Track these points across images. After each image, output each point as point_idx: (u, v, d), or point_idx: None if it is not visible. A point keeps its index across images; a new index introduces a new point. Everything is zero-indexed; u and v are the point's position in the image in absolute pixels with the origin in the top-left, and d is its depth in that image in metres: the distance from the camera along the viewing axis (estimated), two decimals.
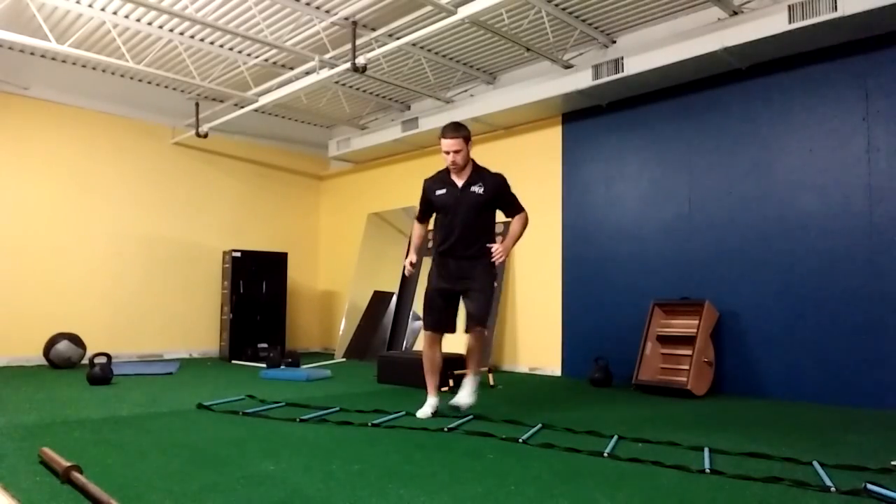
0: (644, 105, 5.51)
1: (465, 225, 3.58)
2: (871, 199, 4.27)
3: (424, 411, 3.62)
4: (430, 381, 3.75)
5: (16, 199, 6.37)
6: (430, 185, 3.74)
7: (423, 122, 6.87)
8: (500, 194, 3.67)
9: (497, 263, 3.59)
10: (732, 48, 4.56)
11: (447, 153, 3.56)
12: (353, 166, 8.57)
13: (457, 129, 3.58)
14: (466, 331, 3.61)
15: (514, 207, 3.74)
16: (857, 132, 4.36)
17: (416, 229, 3.95)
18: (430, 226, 4.06)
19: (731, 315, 4.83)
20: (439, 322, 3.69)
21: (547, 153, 6.24)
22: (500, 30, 5.22)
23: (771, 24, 4.34)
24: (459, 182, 3.62)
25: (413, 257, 3.86)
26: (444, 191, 3.65)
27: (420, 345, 6.68)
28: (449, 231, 3.64)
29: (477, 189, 3.60)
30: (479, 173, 3.66)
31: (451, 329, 3.72)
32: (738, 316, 4.81)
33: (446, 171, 3.68)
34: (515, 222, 3.73)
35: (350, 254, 8.29)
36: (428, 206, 3.79)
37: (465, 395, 3.61)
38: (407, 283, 7.34)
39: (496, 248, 3.56)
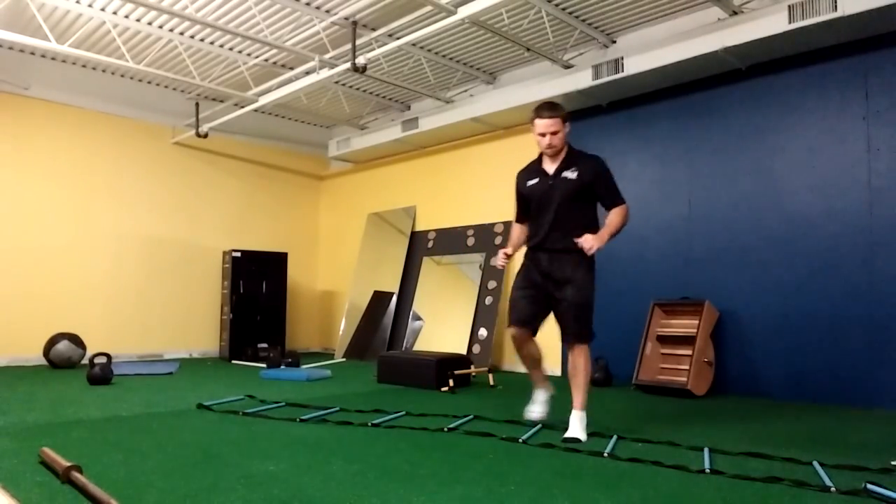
0: (644, 105, 5.51)
1: (557, 215, 3.22)
2: (871, 199, 4.27)
3: (535, 410, 3.42)
4: (535, 375, 3.50)
5: (16, 199, 6.37)
6: (522, 176, 3.42)
7: (423, 122, 6.87)
8: (596, 179, 3.23)
9: (588, 253, 3.12)
10: (732, 48, 4.56)
11: (542, 135, 3.20)
12: (353, 166, 8.57)
13: (554, 108, 3.22)
14: (565, 342, 3.25)
15: (612, 197, 3.27)
16: (857, 132, 4.36)
17: (515, 229, 3.54)
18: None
19: (731, 315, 4.83)
20: (524, 318, 3.32)
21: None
22: (500, 30, 5.22)
23: (771, 24, 4.34)
24: (551, 168, 3.28)
25: (510, 249, 3.45)
26: (535, 180, 3.32)
27: (420, 345, 6.75)
28: (540, 223, 3.29)
29: (570, 174, 3.22)
30: (573, 157, 3.28)
31: (540, 321, 3.35)
32: (738, 316, 4.81)
33: (537, 160, 3.37)
34: (614, 214, 3.24)
35: (350, 254, 8.29)
36: (522, 200, 3.43)
37: (577, 431, 3.08)
38: (407, 283, 7.34)
39: (587, 237, 3.08)
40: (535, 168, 3.38)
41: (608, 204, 3.28)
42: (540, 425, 3.30)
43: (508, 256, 3.41)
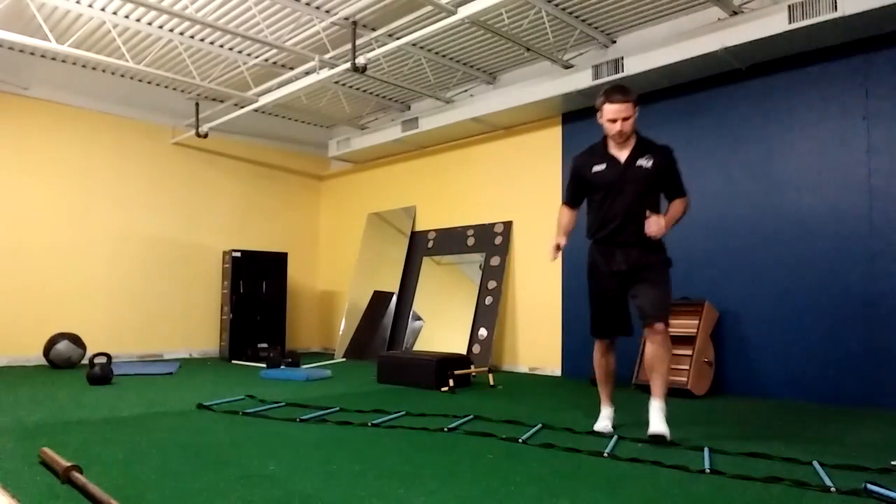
0: (644, 105, 5.46)
1: (630, 206, 3.06)
2: (871, 199, 4.27)
3: (602, 425, 3.21)
4: (603, 390, 3.32)
5: (16, 199, 6.37)
6: (584, 160, 3.23)
7: (423, 122, 6.87)
8: (668, 171, 3.12)
9: (653, 237, 3.00)
10: (732, 48, 4.56)
11: (613, 121, 3.04)
12: (353, 166, 8.57)
13: (626, 92, 3.05)
14: (644, 326, 3.10)
15: (678, 189, 3.19)
16: (857, 132, 4.36)
17: (565, 214, 3.37)
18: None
19: (731, 315, 4.83)
20: (609, 328, 3.20)
21: (547, 153, 6.24)
22: (500, 30, 5.22)
23: (771, 24, 4.34)
24: (622, 156, 3.11)
25: (562, 239, 3.30)
26: (602, 166, 3.13)
27: (420, 345, 6.75)
28: (610, 215, 3.11)
29: (645, 163, 3.07)
30: (645, 145, 3.13)
31: (627, 331, 3.22)
32: (738, 316, 4.81)
33: (601, 145, 3.19)
34: (677, 203, 3.17)
35: (350, 254, 8.29)
36: (582, 186, 3.26)
37: (658, 423, 3.00)
38: (407, 283, 7.34)
39: (655, 218, 2.98)
40: (601, 153, 3.18)
41: (674, 194, 3.18)
42: (540, 425, 3.30)
43: (559, 248, 3.27)
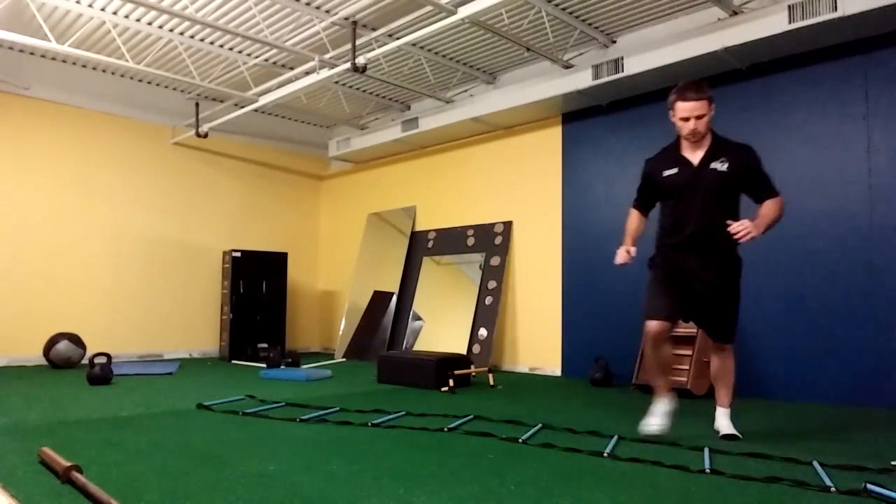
0: (644, 105, 5.51)
1: (704, 212, 2.90)
2: (871, 199, 4.27)
3: (655, 423, 3.01)
4: (662, 381, 3.09)
5: (16, 199, 6.37)
6: (656, 164, 3.09)
7: (423, 122, 6.87)
8: (748, 172, 2.92)
9: (742, 240, 2.79)
10: (732, 48, 4.56)
11: (686, 119, 2.89)
12: (353, 166, 8.57)
13: (700, 89, 2.87)
14: (711, 342, 3.09)
15: (766, 189, 2.95)
16: (857, 132, 4.36)
17: (634, 218, 3.24)
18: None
19: None
20: (664, 308, 2.98)
21: (547, 153, 6.24)
22: (500, 30, 5.22)
23: (771, 24, 4.34)
24: (695, 158, 2.95)
25: (631, 247, 3.14)
26: (674, 170, 2.98)
27: (420, 345, 6.75)
28: (683, 220, 2.96)
29: (719, 165, 2.89)
30: (720, 146, 2.95)
31: (682, 317, 3.06)
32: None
33: (673, 146, 3.05)
34: (769, 204, 2.92)
35: (350, 254, 8.29)
36: (653, 190, 3.12)
37: (730, 427, 3.06)
38: (407, 283, 7.34)
39: (744, 224, 2.76)
40: (672, 156, 3.03)
41: (760, 196, 2.96)
42: (540, 425, 3.30)
43: (630, 255, 3.10)
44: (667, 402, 3.11)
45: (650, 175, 3.13)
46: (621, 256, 3.10)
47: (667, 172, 3.03)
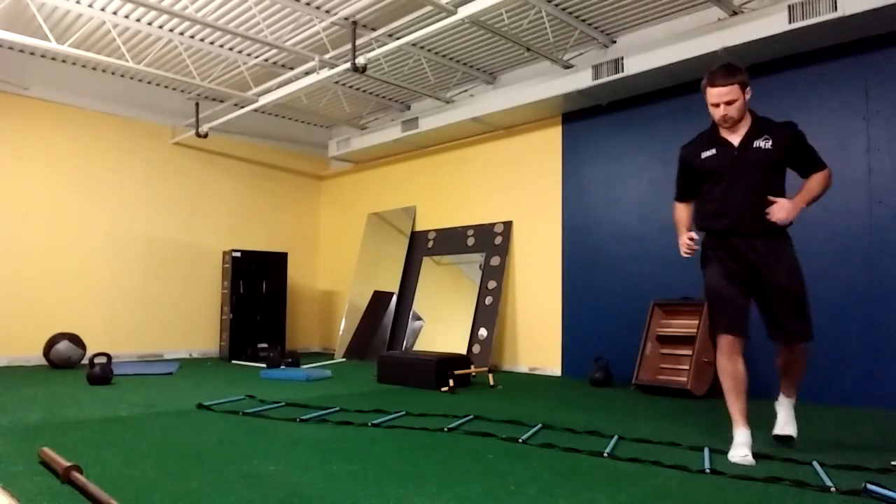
0: (644, 105, 5.51)
1: (749, 192, 2.75)
2: (871, 199, 4.27)
3: (739, 453, 2.63)
4: (736, 408, 2.74)
5: (16, 198, 6.37)
6: (692, 149, 2.96)
7: (423, 122, 6.87)
8: (794, 149, 2.80)
9: (779, 223, 2.70)
10: (732, 48, 4.56)
11: (716, 106, 2.79)
12: (353, 166, 8.57)
13: (730, 74, 2.76)
14: (783, 345, 2.81)
15: (813, 164, 2.83)
16: (857, 132, 4.36)
17: (680, 210, 3.09)
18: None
19: None
20: (738, 320, 2.74)
21: (547, 153, 6.24)
22: (500, 30, 5.22)
23: (771, 24, 4.34)
24: (735, 139, 2.83)
25: (692, 233, 2.92)
26: (712, 151, 2.86)
27: (420, 345, 6.75)
28: (726, 202, 2.80)
29: (763, 143, 2.77)
30: (763, 125, 2.84)
31: (748, 332, 2.78)
32: None
33: (711, 130, 2.92)
34: (814, 178, 2.81)
35: (350, 254, 8.29)
36: (691, 176, 2.97)
37: (786, 422, 2.91)
38: (407, 283, 7.34)
39: (780, 203, 2.67)
40: (709, 138, 2.91)
41: (808, 171, 2.84)
42: (540, 425, 3.30)
43: (694, 241, 2.89)
44: (744, 436, 2.71)
45: (687, 160, 2.99)
46: (685, 245, 2.90)
47: (705, 154, 2.89)
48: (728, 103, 2.77)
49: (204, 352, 7.59)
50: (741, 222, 2.78)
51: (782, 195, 2.77)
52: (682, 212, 3.08)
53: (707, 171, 2.88)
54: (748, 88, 2.80)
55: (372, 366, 5.92)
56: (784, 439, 2.91)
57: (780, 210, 2.67)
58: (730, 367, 2.76)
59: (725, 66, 2.84)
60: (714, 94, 2.78)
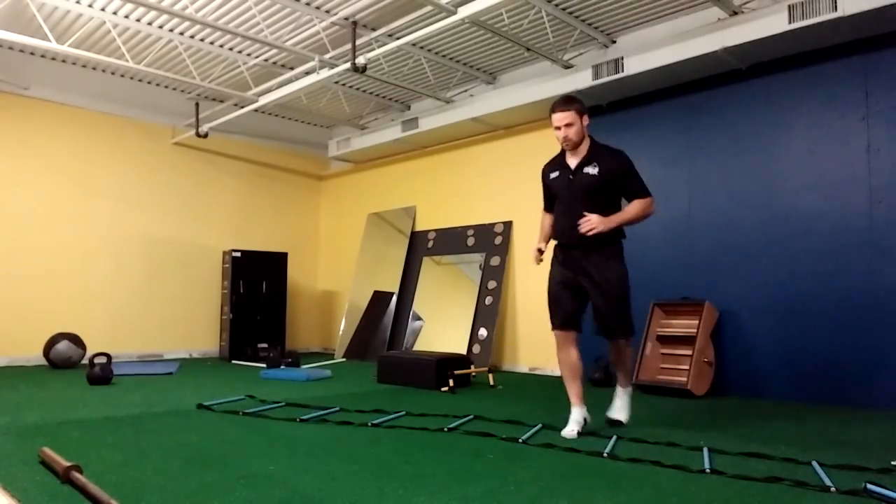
0: (644, 105, 5.51)
1: (579, 211, 3.16)
2: (871, 199, 4.27)
3: (571, 430, 3.11)
4: (572, 389, 3.26)
5: (16, 198, 6.37)
6: (546, 169, 3.43)
7: (423, 122, 6.87)
8: (617, 176, 3.21)
9: (587, 234, 3.10)
10: (732, 48, 4.56)
11: (558, 129, 3.22)
12: (353, 166, 8.57)
13: (567, 102, 3.22)
14: (608, 340, 3.32)
15: (636, 192, 3.24)
16: (857, 132, 4.36)
17: (544, 219, 3.52)
18: None
19: (731, 315, 4.83)
20: (567, 316, 3.23)
21: (547, 153, 6.17)
22: (500, 30, 5.22)
23: (771, 24, 4.34)
24: (573, 163, 3.27)
25: (542, 244, 3.41)
26: (556, 173, 3.33)
27: (420, 345, 6.75)
28: (563, 219, 3.26)
29: (591, 169, 3.20)
30: (595, 151, 3.25)
31: (579, 327, 3.27)
32: (738, 316, 4.81)
33: (562, 153, 3.37)
34: (633, 203, 3.23)
35: (350, 254, 8.29)
36: (547, 192, 3.45)
37: (619, 409, 3.39)
38: (407, 283, 7.34)
39: (589, 218, 3.10)
40: (558, 161, 3.38)
41: (631, 197, 3.25)
42: (540, 425, 3.30)
43: (541, 252, 3.38)
44: (580, 411, 3.23)
45: (543, 179, 3.45)
46: (534, 255, 3.38)
47: (552, 175, 3.37)
48: (567, 125, 3.19)
49: (204, 352, 7.59)
50: (572, 236, 3.20)
51: (611, 213, 3.16)
52: (546, 221, 3.49)
53: (553, 190, 3.37)
54: (585, 116, 3.24)
55: (372, 366, 5.91)
56: (614, 422, 3.36)
57: (587, 223, 3.09)
58: (564, 357, 3.27)
59: (564, 97, 3.32)
60: (555, 118, 3.22)
